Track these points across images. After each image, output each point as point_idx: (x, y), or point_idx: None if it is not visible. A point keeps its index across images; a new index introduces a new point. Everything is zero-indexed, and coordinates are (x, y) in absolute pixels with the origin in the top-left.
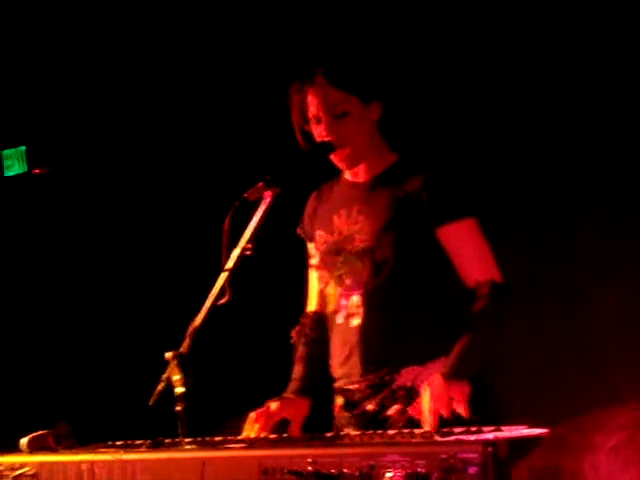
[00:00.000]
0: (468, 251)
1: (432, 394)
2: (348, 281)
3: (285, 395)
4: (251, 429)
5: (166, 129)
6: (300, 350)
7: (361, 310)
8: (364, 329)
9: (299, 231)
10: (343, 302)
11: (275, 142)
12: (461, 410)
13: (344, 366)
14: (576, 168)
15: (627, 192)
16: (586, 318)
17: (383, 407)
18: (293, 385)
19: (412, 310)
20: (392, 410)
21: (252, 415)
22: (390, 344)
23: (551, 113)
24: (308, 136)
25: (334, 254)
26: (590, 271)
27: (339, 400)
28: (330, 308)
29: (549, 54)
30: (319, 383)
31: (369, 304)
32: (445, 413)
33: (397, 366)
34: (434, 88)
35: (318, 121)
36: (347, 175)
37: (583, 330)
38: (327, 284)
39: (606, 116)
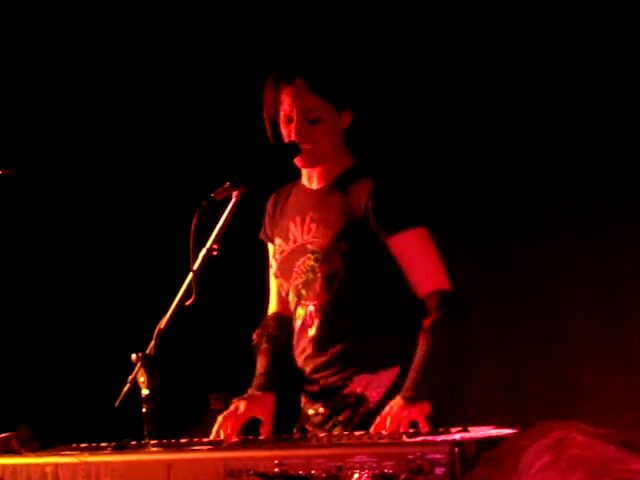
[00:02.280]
0: (416, 262)
1: (393, 417)
2: (303, 291)
3: (250, 392)
4: (220, 431)
5: (133, 130)
6: (263, 347)
7: (316, 321)
8: (317, 340)
9: (261, 236)
10: (300, 311)
11: (243, 141)
12: (422, 427)
13: (302, 370)
14: (540, 170)
15: (594, 194)
16: (553, 323)
17: (334, 412)
18: (258, 380)
19: (365, 320)
20: (342, 416)
21: (220, 417)
22: (343, 354)
23: (513, 118)
24: (278, 131)
25: (290, 264)
26: (558, 276)
27: (303, 397)
28: (291, 314)
29: (512, 62)
30: (282, 378)
31: (323, 315)
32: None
33: (350, 374)
34: (398, 96)
35: (289, 121)
36: (304, 180)
37: (550, 335)
38: (287, 292)
39: (569, 117)
